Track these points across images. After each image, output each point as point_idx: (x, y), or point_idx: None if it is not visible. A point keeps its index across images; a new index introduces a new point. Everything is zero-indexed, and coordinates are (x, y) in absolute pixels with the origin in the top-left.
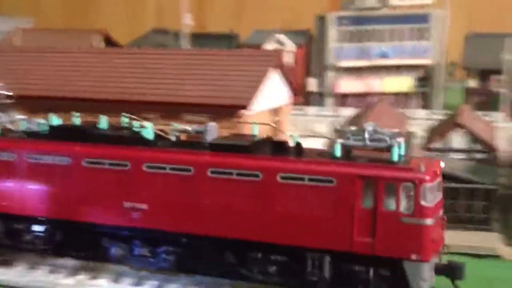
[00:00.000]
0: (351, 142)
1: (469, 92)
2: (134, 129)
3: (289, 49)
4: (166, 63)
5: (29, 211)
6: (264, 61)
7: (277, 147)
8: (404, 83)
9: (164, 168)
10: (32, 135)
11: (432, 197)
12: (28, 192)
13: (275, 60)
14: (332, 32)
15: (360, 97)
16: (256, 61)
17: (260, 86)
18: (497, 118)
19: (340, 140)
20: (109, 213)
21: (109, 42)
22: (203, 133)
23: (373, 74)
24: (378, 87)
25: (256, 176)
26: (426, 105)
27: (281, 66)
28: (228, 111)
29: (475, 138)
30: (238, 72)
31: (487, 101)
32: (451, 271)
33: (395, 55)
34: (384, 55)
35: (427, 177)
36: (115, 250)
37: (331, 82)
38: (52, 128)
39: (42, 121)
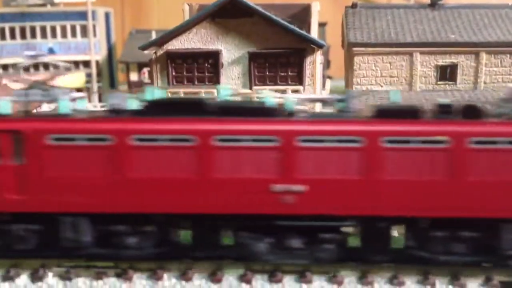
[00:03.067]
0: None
1: (131, 84)
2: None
3: None
4: None
5: None
6: None
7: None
8: (76, 79)
9: (321, 141)
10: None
11: None
12: None
13: None
14: None
15: None
16: None
17: None
18: None
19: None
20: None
21: None
22: (345, 101)
23: (43, 71)
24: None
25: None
26: (102, 99)
27: None
28: None
29: None
30: None
31: None
32: None
33: (62, 52)
34: (51, 52)
35: None
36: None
37: None
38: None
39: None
